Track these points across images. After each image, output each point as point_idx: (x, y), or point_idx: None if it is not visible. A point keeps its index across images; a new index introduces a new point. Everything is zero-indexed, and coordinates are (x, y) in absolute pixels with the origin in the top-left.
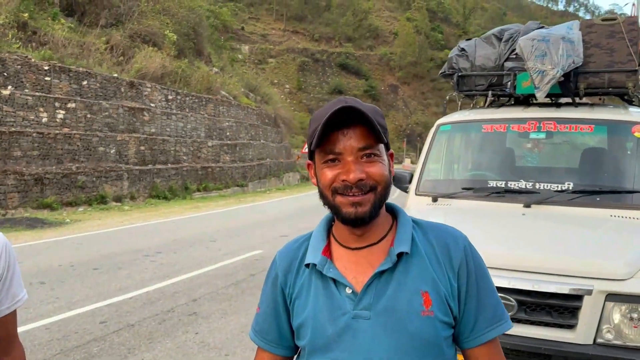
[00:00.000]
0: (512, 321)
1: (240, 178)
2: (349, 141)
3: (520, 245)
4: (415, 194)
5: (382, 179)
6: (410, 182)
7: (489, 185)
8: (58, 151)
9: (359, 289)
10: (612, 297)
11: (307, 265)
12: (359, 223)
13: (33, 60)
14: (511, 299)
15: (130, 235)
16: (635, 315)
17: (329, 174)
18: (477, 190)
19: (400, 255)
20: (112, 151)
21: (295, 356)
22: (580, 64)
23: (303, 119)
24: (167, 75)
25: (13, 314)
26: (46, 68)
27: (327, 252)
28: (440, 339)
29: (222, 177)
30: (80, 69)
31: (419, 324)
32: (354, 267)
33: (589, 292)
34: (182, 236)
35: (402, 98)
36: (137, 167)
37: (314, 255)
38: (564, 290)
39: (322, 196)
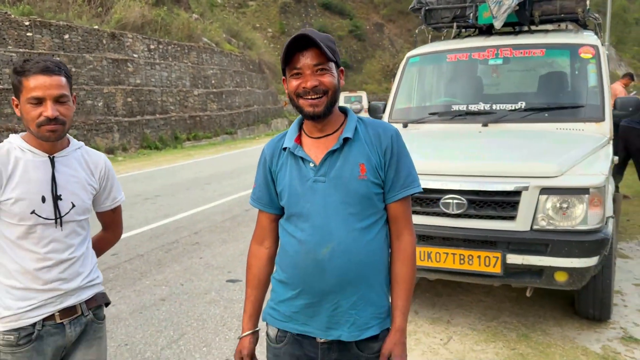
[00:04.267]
0: (464, 217)
1: (228, 126)
2: (306, 60)
3: (471, 156)
4: (388, 122)
5: (332, 86)
6: (384, 111)
7: (452, 110)
8: None
9: (318, 163)
10: (545, 191)
11: (285, 149)
12: (317, 118)
13: (13, 16)
14: (462, 198)
15: (127, 181)
16: (564, 205)
17: (294, 83)
18: (442, 114)
19: (346, 139)
20: (100, 104)
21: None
22: None
23: None
24: (147, 24)
25: (115, 209)
26: (27, 24)
27: (298, 140)
28: (372, 194)
29: (210, 125)
30: (61, 22)
31: (357, 185)
32: (315, 149)
33: (526, 188)
34: (178, 181)
35: (388, 37)
36: (126, 119)
37: (289, 142)
38: (506, 188)
39: (291, 100)
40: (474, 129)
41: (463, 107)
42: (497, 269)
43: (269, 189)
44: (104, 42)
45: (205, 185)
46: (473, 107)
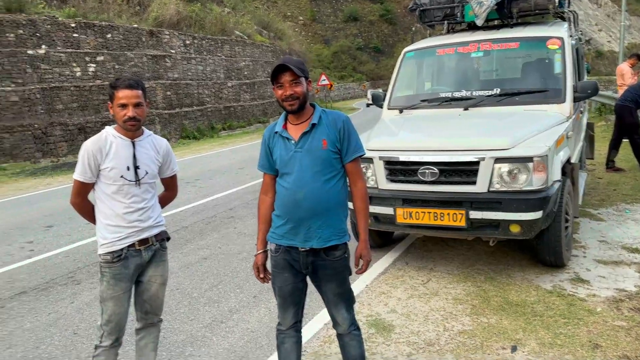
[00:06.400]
0: (437, 183)
1: (261, 115)
2: (285, 77)
3: (445, 134)
4: (388, 108)
5: (302, 92)
6: (384, 99)
7: (440, 97)
8: (94, 102)
9: (297, 140)
10: (498, 160)
11: (276, 133)
12: (294, 113)
13: (60, 19)
14: (435, 168)
15: None
16: (514, 171)
17: (279, 92)
18: (431, 101)
19: (314, 124)
20: None
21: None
22: None
23: (319, 51)
24: (182, 20)
25: (172, 176)
26: (73, 25)
27: (285, 126)
28: (331, 159)
29: (244, 115)
30: (103, 23)
31: (321, 153)
32: (295, 131)
33: (483, 159)
34: (215, 167)
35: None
36: (166, 112)
37: (279, 128)
38: (468, 159)
39: (278, 102)
40: (456, 112)
41: (449, 95)
42: (463, 223)
43: (269, 159)
44: (143, 39)
45: (238, 170)
46: (457, 94)
